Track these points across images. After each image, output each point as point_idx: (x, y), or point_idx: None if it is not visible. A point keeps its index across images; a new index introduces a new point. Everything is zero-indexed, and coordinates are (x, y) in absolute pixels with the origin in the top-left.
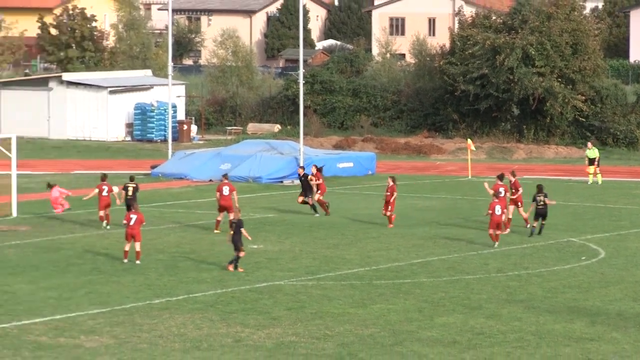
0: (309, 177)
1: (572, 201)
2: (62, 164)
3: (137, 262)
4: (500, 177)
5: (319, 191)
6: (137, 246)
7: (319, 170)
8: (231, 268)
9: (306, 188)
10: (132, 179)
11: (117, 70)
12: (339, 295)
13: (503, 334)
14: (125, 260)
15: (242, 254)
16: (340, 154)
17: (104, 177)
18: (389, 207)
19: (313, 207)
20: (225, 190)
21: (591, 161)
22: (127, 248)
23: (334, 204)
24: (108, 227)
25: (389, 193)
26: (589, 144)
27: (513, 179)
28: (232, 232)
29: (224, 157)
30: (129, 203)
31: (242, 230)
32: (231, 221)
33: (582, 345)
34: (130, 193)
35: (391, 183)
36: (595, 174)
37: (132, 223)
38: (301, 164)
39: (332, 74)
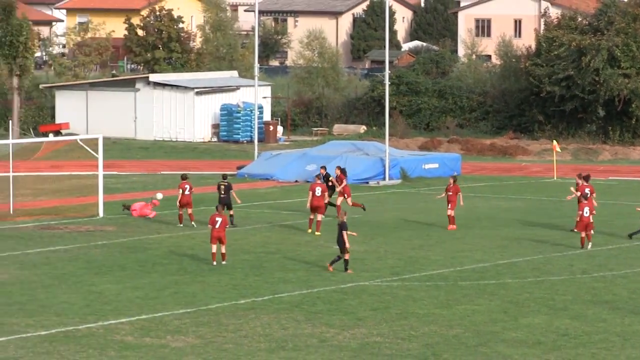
0: (330, 178)
1: None
2: (149, 164)
3: (223, 262)
4: (586, 178)
5: (346, 195)
6: (223, 248)
7: (342, 172)
8: (331, 269)
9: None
10: (224, 177)
11: (204, 71)
12: (423, 296)
13: (588, 335)
14: (214, 263)
15: (346, 255)
16: (425, 155)
17: (184, 177)
18: (449, 205)
19: (326, 205)
20: (318, 191)
21: None
22: (214, 250)
23: (419, 205)
24: (194, 224)
25: (451, 193)
26: None
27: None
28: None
29: (310, 158)
30: (223, 202)
31: (344, 232)
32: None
33: None
34: (222, 192)
35: (452, 183)
36: None
37: (217, 226)
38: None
39: (417, 75)
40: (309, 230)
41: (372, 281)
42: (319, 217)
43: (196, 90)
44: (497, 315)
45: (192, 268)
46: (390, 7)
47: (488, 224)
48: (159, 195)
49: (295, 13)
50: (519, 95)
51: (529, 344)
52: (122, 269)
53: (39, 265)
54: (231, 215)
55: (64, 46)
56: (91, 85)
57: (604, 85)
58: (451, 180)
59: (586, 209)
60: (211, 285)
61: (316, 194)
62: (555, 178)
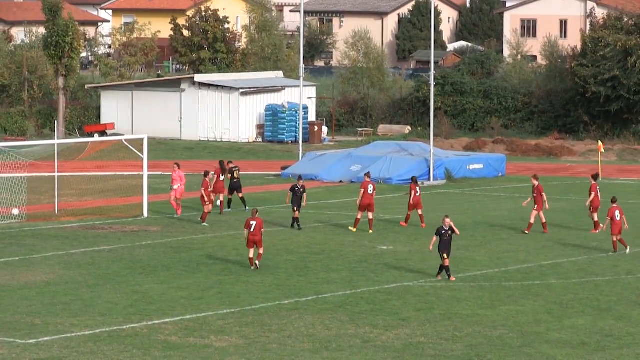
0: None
1: None
2: (194, 165)
3: (256, 262)
4: (595, 177)
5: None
6: (261, 250)
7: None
8: (440, 277)
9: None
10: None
11: (249, 71)
12: (467, 296)
13: (632, 336)
14: (252, 268)
15: (446, 262)
16: (470, 156)
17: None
18: (536, 206)
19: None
20: (370, 189)
21: None
22: (251, 255)
23: (464, 205)
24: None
25: (535, 194)
26: None
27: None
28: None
29: (355, 159)
30: (234, 186)
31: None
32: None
33: None
34: (235, 177)
35: (536, 183)
36: None
37: (252, 230)
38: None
39: (463, 76)
40: (354, 230)
41: (416, 282)
42: (370, 215)
43: (241, 90)
44: (541, 316)
45: (236, 268)
46: (435, 8)
47: (533, 225)
48: (15, 211)
49: (341, 13)
50: (564, 96)
51: (573, 344)
52: (167, 269)
53: (84, 265)
54: (242, 198)
55: (109, 46)
56: (136, 86)
57: None
58: (534, 180)
59: (617, 212)
60: (255, 286)
61: (368, 191)
62: (600, 179)
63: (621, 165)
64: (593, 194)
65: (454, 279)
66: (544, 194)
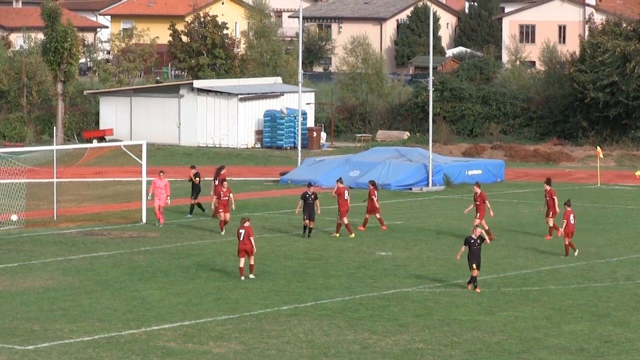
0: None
1: None
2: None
3: (251, 276)
4: (548, 182)
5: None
6: (252, 260)
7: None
8: (470, 287)
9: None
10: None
11: (248, 77)
12: (466, 302)
13: (631, 341)
14: (242, 278)
15: (474, 273)
16: (469, 161)
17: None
18: (551, 213)
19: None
20: (345, 194)
21: None
22: (241, 264)
23: (462, 211)
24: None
25: (548, 198)
26: None
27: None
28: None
29: (353, 164)
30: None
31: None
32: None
33: None
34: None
35: (548, 187)
36: None
37: (241, 238)
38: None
39: (461, 82)
40: (352, 236)
41: (415, 287)
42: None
43: (240, 96)
44: (540, 321)
45: (235, 274)
46: (434, 13)
47: (531, 230)
48: (14, 217)
49: (339, 19)
50: (563, 102)
51: (572, 350)
52: (165, 275)
53: (82, 271)
54: (198, 204)
55: (108, 52)
56: (135, 92)
57: None
58: (546, 185)
59: (572, 216)
60: (254, 292)
61: (344, 197)
62: (599, 184)
63: (620, 170)
64: (548, 199)
65: (479, 290)
66: (555, 197)
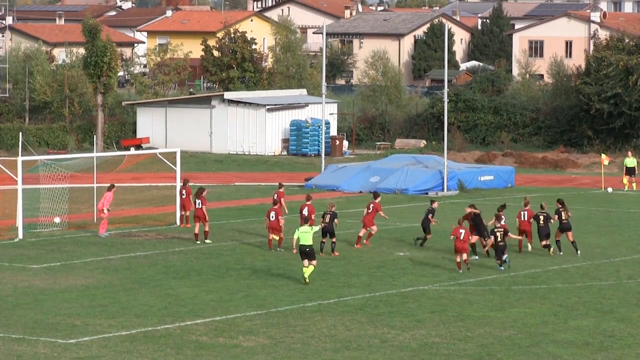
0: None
1: None
2: (223, 176)
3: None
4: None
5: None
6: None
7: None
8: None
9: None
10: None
11: (275, 89)
12: (479, 299)
13: (633, 336)
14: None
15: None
16: (481, 168)
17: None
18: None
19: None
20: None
21: (628, 170)
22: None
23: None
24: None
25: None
26: (629, 153)
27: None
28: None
29: (374, 170)
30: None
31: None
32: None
33: None
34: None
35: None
36: (630, 183)
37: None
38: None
39: (474, 93)
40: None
41: (431, 285)
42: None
43: (267, 107)
44: (548, 317)
45: (263, 273)
46: (449, 30)
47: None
48: (57, 220)
49: (361, 35)
50: (570, 112)
51: (578, 344)
52: (198, 274)
53: (121, 270)
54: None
55: (144, 66)
56: (170, 103)
57: None
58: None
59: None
60: (281, 289)
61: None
62: (603, 189)
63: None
64: (518, 221)
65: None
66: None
